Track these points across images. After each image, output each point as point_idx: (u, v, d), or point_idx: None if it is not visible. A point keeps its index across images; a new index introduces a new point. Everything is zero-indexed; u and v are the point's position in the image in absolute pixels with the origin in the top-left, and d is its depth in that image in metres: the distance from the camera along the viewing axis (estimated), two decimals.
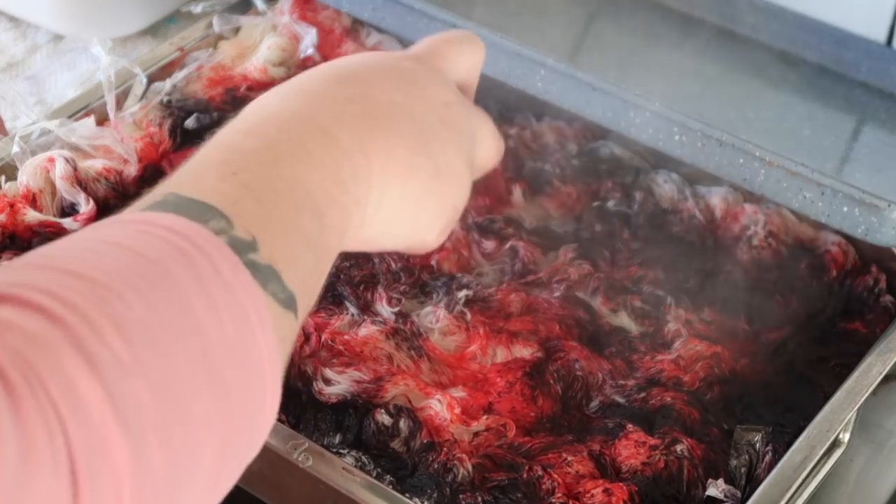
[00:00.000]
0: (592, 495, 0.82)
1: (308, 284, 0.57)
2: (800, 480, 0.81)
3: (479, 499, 0.81)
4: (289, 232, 0.56)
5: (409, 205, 0.67)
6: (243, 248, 0.53)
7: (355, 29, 1.17)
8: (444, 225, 0.71)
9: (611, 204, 1.03)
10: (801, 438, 0.83)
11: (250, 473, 0.84)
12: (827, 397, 0.86)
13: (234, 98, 1.10)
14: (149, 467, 0.46)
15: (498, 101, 1.10)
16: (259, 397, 0.52)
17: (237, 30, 1.16)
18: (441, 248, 1.00)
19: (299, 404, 0.87)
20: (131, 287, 0.48)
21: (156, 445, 0.46)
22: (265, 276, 0.53)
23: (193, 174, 0.56)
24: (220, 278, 0.50)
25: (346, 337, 0.92)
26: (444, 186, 0.68)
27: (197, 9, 1.15)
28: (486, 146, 0.75)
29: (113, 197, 1.00)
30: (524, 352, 0.92)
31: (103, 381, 0.45)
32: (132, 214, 0.53)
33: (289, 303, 0.54)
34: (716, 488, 0.82)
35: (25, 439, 0.42)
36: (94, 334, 0.45)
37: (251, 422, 0.52)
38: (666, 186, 1.04)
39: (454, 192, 0.70)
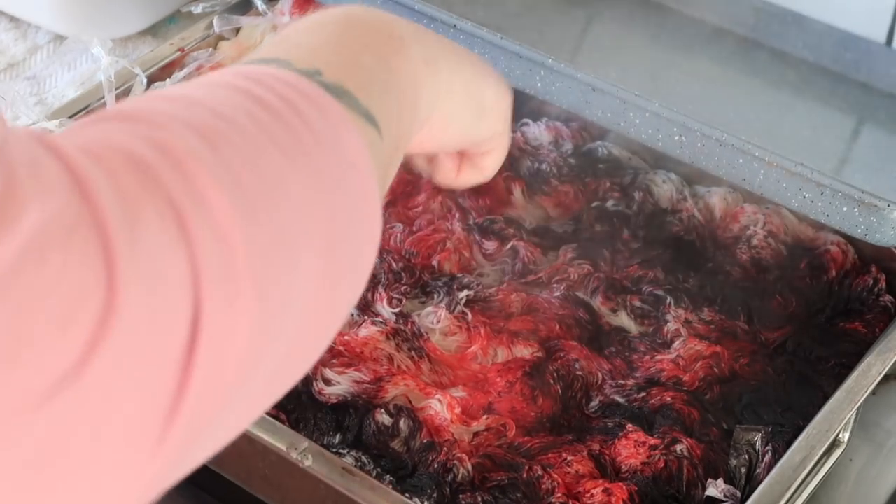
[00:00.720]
0: (592, 495, 0.82)
1: (386, 112, 0.57)
2: (799, 480, 0.81)
3: (479, 498, 0.81)
4: (351, 65, 0.57)
5: (462, 83, 0.68)
6: (309, 74, 0.54)
7: None
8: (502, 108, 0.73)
9: (610, 204, 1.03)
10: (800, 438, 0.83)
11: (250, 473, 0.84)
12: (826, 397, 0.86)
13: None
14: (254, 220, 0.46)
15: None
16: (355, 187, 0.52)
17: (237, 30, 1.16)
18: (442, 249, 1.00)
19: (299, 404, 0.87)
20: (216, 101, 0.49)
21: (255, 202, 0.46)
22: (336, 92, 0.54)
23: (249, 57, 0.58)
24: (295, 91, 0.52)
25: (346, 337, 0.92)
26: (478, 64, 0.71)
27: (197, 9, 1.15)
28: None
29: None
30: (524, 351, 0.92)
31: (214, 172, 0.45)
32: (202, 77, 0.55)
33: (368, 117, 0.55)
34: (715, 488, 0.82)
35: (124, 195, 0.42)
36: (185, 130, 0.46)
37: (353, 213, 0.52)
38: (664, 186, 1.04)
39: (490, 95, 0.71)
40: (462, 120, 0.70)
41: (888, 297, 0.96)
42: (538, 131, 1.09)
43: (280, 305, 0.47)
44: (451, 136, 0.70)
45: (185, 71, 1.10)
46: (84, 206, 0.41)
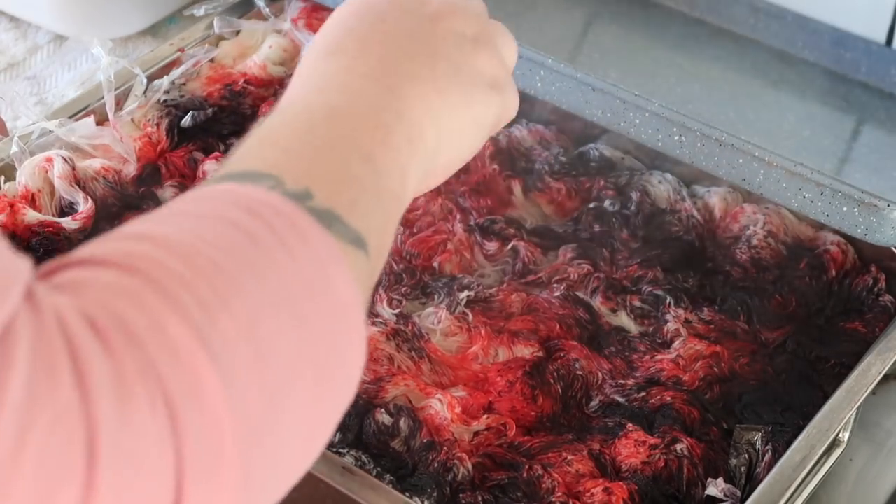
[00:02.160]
0: (592, 494, 0.82)
1: (374, 226, 0.57)
2: (799, 480, 0.81)
3: (480, 498, 0.81)
4: (341, 180, 0.56)
5: (462, 111, 0.66)
6: (299, 197, 0.53)
7: None
8: (504, 102, 0.70)
9: (608, 204, 1.03)
10: (800, 438, 0.83)
11: None
12: (826, 397, 0.86)
13: (231, 93, 1.10)
14: (243, 400, 0.46)
15: None
16: (342, 329, 0.52)
17: (238, 32, 1.16)
18: (443, 250, 1.00)
19: None
20: (202, 239, 0.49)
21: (247, 379, 0.46)
22: (327, 219, 0.53)
23: (236, 157, 0.57)
24: (287, 222, 0.51)
25: None
26: (475, 75, 0.67)
27: (199, 11, 1.15)
28: (506, 43, 0.73)
29: (112, 196, 1.00)
30: (525, 351, 0.92)
31: (188, 319, 0.46)
32: (188, 192, 0.54)
33: (357, 243, 0.55)
34: (715, 487, 0.82)
35: (120, 381, 0.43)
36: (173, 279, 0.46)
37: (339, 355, 0.52)
38: (661, 187, 1.04)
39: (489, 74, 0.68)
40: (462, 153, 0.68)
41: (888, 297, 0.96)
42: (537, 132, 1.09)
43: (266, 470, 0.48)
44: (455, 167, 0.69)
45: (182, 68, 1.09)
46: (76, 391, 0.42)
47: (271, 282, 0.49)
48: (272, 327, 0.48)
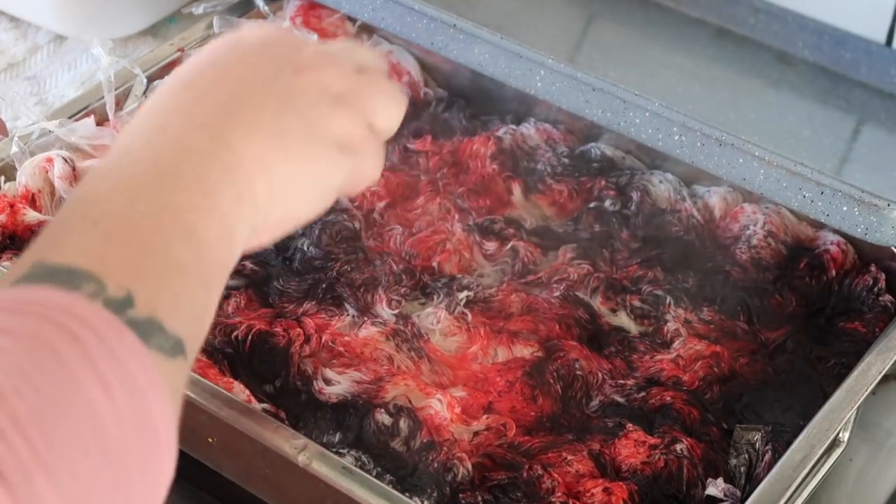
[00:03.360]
0: (592, 494, 0.82)
1: (196, 316, 0.56)
2: (799, 479, 0.81)
3: (479, 498, 0.81)
4: (164, 270, 0.55)
5: (301, 168, 0.63)
6: (119, 306, 0.52)
7: (359, 36, 1.17)
8: (356, 165, 0.67)
9: (608, 204, 1.03)
10: (800, 438, 0.83)
11: (250, 473, 0.84)
12: (826, 397, 0.86)
13: None
14: None
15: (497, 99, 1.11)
16: (156, 463, 0.52)
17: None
18: (443, 250, 1.00)
19: (299, 404, 0.87)
20: (20, 375, 0.47)
21: None
22: (147, 331, 0.52)
23: (56, 236, 0.54)
24: (105, 347, 0.50)
25: (346, 338, 0.92)
26: (326, 134, 0.65)
27: (198, 10, 1.15)
28: (383, 106, 0.69)
29: None
30: (524, 351, 0.92)
31: (8, 487, 0.45)
32: (3, 293, 0.52)
33: (176, 350, 0.53)
34: (715, 487, 0.82)
35: None
36: None
37: (152, 483, 0.52)
38: (661, 187, 1.04)
39: (342, 135, 0.65)
40: (299, 211, 0.66)
41: (888, 297, 0.96)
42: (535, 132, 1.09)
43: None
44: (291, 223, 0.66)
45: None
46: None
47: (90, 428, 0.48)
48: (86, 473, 0.48)
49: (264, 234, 0.64)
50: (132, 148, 0.59)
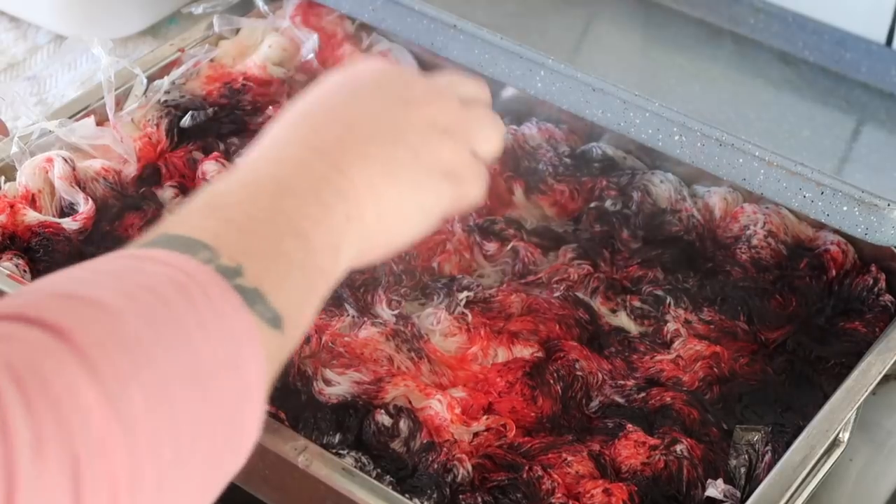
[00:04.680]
0: (592, 495, 0.82)
1: (296, 304, 0.60)
2: (799, 480, 0.81)
3: (479, 499, 0.81)
4: (272, 257, 0.59)
5: (408, 196, 0.69)
6: (230, 274, 0.57)
7: (358, 35, 1.17)
8: (460, 192, 0.72)
9: (608, 204, 1.03)
10: (800, 438, 0.83)
11: (250, 473, 0.84)
12: (826, 397, 0.86)
13: (231, 91, 1.10)
14: (141, 474, 0.50)
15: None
16: (244, 406, 0.55)
17: (237, 31, 1.16)
18: (443, 251, 1.00)
19: (299, 404, 0.87)
20: (129, 309, 0.52)
21: (147, 455, 0.50)
22: (251, 298, 0.57)
23: (181, 217, 0.60)
24: (210, 302, 0.55)
25: (346, 339, 0.92)
26: (433, 164, 0.70)
27: (198, 10, 1.15)
28: (484, 136, 0.75)
29: (112, 196, 1.00)
30: (524, 352, 0.92)
31: (102, 386, 0.49)
32: (128, 251, 0.58)
33: (275, 322, 0.58)
34: (715, 488, 0.82)
35: (36, 436, 0.47)
36: (94, 345, 0.50)
37: (235, 436, 0.55)
38: (662, 187, 1.04)
39: (448, 164, 0.71)
40: (404, 236, 0.70)
41: (888, 297, 0.96)
42: (536, 133, 1.09)
43: None
44: (397, 246, 0.71)
45: (182, 68, 1.09)
46: (1, 446, 0.46)
47: (184, 357, 0.53)
48: (179, 399, 0.52)
49: (370, 254, 0.69)
50: (255, 166, 0.65)
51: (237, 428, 0.55)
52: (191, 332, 0.53)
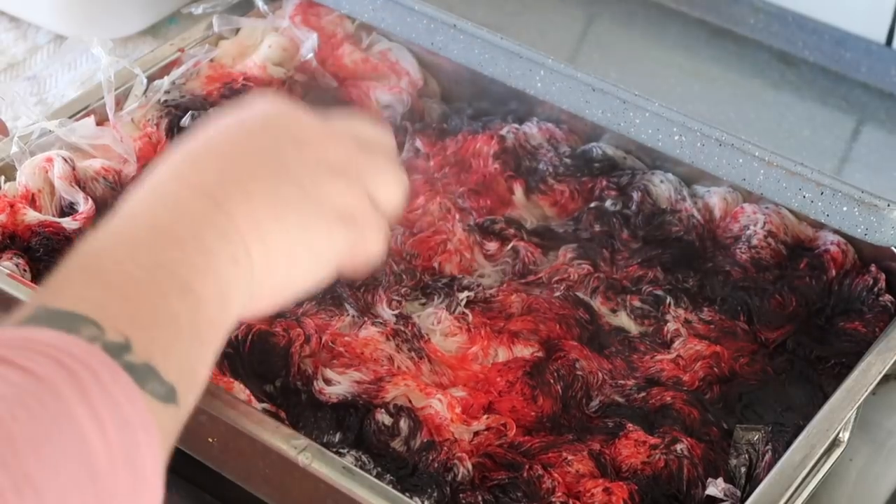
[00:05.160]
0: (592, 494, 0.82)
1: (189, 368, 0.58)
2: (799, 479, 0.81)
3: (480, 498, 0.81)
4: (159, 322, 0.57)
5: (296, 235, 0.65)
6: (118, 351, 0.54)
7: (358, 34, 1.17)
8: (355, 238, 0.68)
9: (608, 204, 1.03)
10: (800, 437, 0.83)
11: (251, 473, 0.84)
12: (826, 396, 0.86)
13: (231, 91, 1.10)
14: None
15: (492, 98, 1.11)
16: (142, 500, 0.53)
17: (237, 31, 1.16)
18: (443, 251, 1.00)
19: (299, 403, 0.87)
20: (19, 404, 0.49)
21: None
22: (143, 376, 0.54)
23: (59, 285, 0.57)
24: (100, 385, 0.52)
25: (346, 338, 0.92)
26: (323, 203, 0.66)
27: (198, 10, 1.15)
28: (383, 181, 0.71)
29: (112, 196, 1.00)
30: (525, 351, 0.92)
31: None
32: (9, 331, 0.54)
33: (169, 396, 0.55)
34: (716, 487, 0.82)
35: None
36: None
37: None
38: (662, 187, 1.04)
39: (341, 205, 0.67)
40: (296, 280, 0.67)
41: (888, 297, 0.96)
42: (536, 132, 1.09)
43: None
44: (289, 293, 0.67)
45: (182, 68, 1.09)
46: None
47: (83, 462, 0.50)
48: (75, 500, 0.49)
49: (263, 301, 0.65)
50: (133, 212, 0.61)
51: None
52: (86, 429, 0.50)
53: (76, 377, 0.51)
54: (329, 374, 0.89)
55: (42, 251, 0.94)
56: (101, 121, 1.05)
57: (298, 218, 0.65)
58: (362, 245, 0.69)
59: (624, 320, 0.97)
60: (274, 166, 0.65)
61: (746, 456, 0.84)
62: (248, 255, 0.62)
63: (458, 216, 1.02)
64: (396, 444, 0.84)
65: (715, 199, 1.04)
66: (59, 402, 0.50)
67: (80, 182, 0.99)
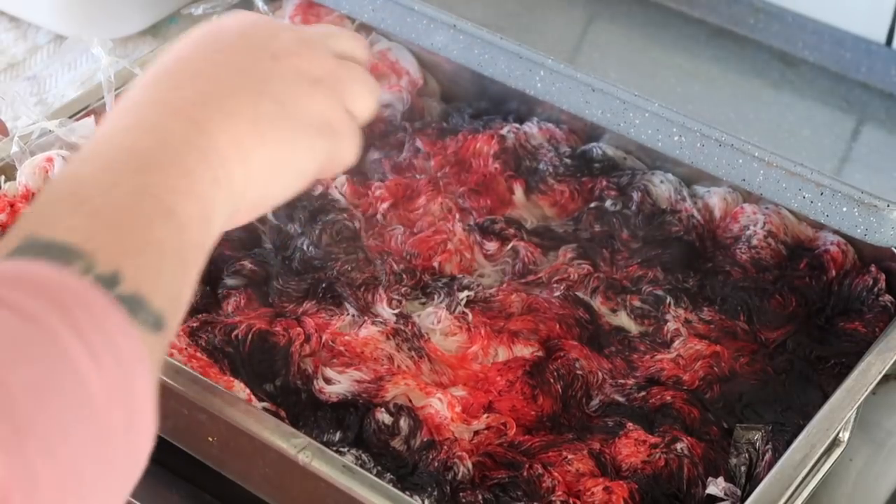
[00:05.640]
0: (593, 493, 0.82)
1: (175, 293, 0.58)
2: (799, 479, 0.81)
3: (480, 497, 0.81)
4: (146, 249, 0.57)
5: (277, 151, 0.65)
6: (108, 283, 0.54)
7: (358, 32, 1.17)
8: (332, 147, 0.69)
9: (608, 204, 1.03)
10: (800, 437, 0.83)
11: (251, 471, 0.84)
12: (826, 396, 0.86)
13: None
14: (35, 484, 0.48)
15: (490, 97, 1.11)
16: (137, 432, 0.53)
17: None
18: (443, 250, 1.00)
19: (299, 402, 0.87)
20: (14, 347, 0.49)
21: (48, 493, 0.48)
22: (133, 307, 0.54)
23: (45, 212, 0.57)
24: (95, 322, 0.52)
25: (346, 338, 0.92)
26: (302, 117, 0.67)
27: (198, 10, 1.15)
28: (358, 91, 0.72)
29: None
30: (525, 351, 0.92)
31: (6, 454, 0.47)
32: (0, 266, 0.54)
33: (158, 324, 0.56)
34: (716, 486, 0.82)
35: None
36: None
37: (132, 456, 0.53)
38: (662, 187, 1.04)
39: (318, 117, 0.68)
40: (276, 193, 0.68)
41: (888, 297, 0.96)
42: (536, 132, 1.09)
43: None
44: (268, 205, 0.68)
45: None
46: None
47: (76, 395, 0.50)
48: (76, 440, 0.50)
49: (242, 215, 0.66)
50: (112, 138, 0.61)
51: (132, 449, 0.53)
52: (80, 364, 0.51)
53: (71, 315, 0.51)
54: (329, 373, 0.89)
55: None
56: (101, 121, 1.05)
57: (278, 134, 0.65)
58: (338, 154, 0.70)
59: (624, 320, 0.97)
60: (252, 82, 0.65)
61: (746, 455, 0.84)
62: (229, 174, 0.62)
63: (458, 216, 1.02)
64: (396, 444, 0.84)
65: (715, 199, 1.04)
66: (55, 343, 0.50)
67: None
